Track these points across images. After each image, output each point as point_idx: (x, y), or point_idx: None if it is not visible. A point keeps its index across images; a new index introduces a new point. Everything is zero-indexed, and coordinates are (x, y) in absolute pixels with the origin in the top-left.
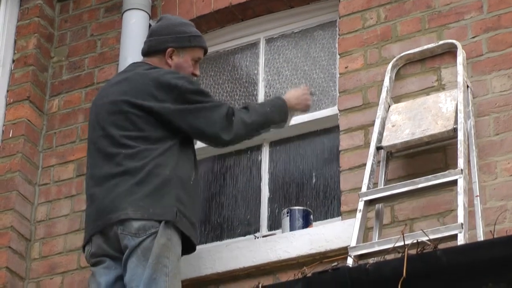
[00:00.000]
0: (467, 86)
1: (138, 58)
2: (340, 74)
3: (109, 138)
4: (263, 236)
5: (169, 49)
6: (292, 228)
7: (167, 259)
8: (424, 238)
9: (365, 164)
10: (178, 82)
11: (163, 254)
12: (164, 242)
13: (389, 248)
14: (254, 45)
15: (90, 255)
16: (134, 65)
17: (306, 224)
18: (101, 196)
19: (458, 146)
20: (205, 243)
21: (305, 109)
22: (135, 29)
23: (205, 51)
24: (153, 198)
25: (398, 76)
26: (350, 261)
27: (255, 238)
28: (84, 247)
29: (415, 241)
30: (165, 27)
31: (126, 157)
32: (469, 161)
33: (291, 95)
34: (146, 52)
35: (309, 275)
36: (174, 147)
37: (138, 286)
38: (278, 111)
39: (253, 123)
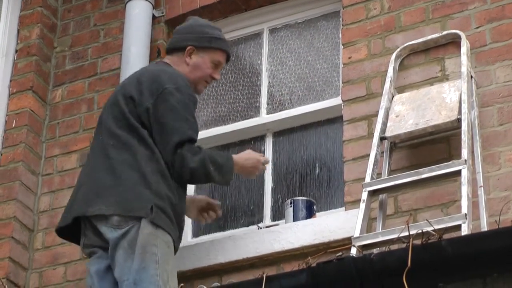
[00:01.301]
0: (471, 77)
1: (141, 48)
2: (343, 64)
3: (106, 129)
4: (267, 227)
5: (189, 47)
6: (295, 219)
7: (156, 247)
8: (429, 228)
9: (368, 155)
10: (167, 84)
11: (150, 242)
12: (150, 231)
13: (394, 238)
14: (258, 35)
15: (84, 246)
16: (156, 63)
17: (310, 214)
18: (86, 187)
19: (462, 136)
20: (208, 233)
21: (249, 177)
22: (138, 19)
23: (228, 57)
24: (131, 193)
25: (402, 66)
26: (354, 251)
27: (258, 229)
28: (58, 229)
29: (420, 231)
30: (188, 26)
31: (115, 147)
32: (473, 152)
33: (242, 161)
34: (167, 50)
35: (313, 265)
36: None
37: (128, 279)
38: (220, 175)
39: (195, 171)
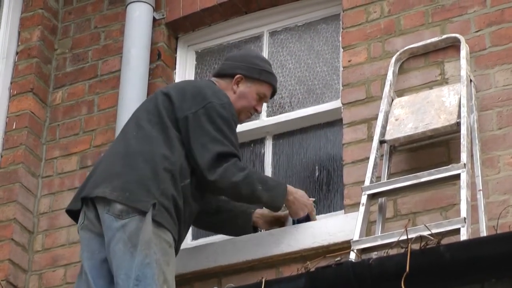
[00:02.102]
0: (470, 80)
1: (142, 50)
2: (343, 67)
3: (134, 120)
4: (266, 229)
5: (238, 76)
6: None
7: (156, 246)
8: (427, 233)
9: (368, 158)
10: (213, 99)
11: (152, 240)
12: (153, 228)
13: (392, 243)
14: (258, 38)
15: (81, 227)
16: (203, 79)
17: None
18: (99, 171)
19: (461, 140)
20: (208, 236)
21: (293, 215)
22: (138, 22)
23: (274, 92)
24: (138, 185)
25: (402, 70)
26: (353, 256)
27: (257, 231)
28: (68, 210)
29: (418, 235)
30: (241, 55)
31: (136, 138)
32: (472, 155)
33: (297, 194)
34: (216, 73)
35: (312, 270)
36: (184, 146)
37: (127, 273)
38: (269, 196)
39: (236, 185)
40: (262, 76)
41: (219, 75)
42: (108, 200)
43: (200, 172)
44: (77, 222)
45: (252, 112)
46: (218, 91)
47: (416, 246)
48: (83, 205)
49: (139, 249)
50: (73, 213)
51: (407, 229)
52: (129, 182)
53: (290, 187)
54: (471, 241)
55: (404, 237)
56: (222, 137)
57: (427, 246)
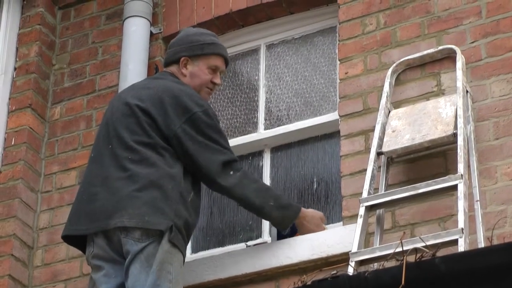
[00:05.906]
0: (467, 91)
1: (139, 65)
2: (340, 79)
3: (119, 140)
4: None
5: (182, 59)
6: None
7: (171, 266)
8: (422, 245)
9: (365, 170)
10: (194, 108)
11: (167, 260)
12: (168, 248)
13: (388, 255)
14: (255, 51)
15: (92, 257)
16: (162, 74)
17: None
18: (103, 198)
19: (458, 151)
20: (207, 249)
21: (311, 231)
22: (136, 36)
23: (226, 60)
24: (152, 208)
25: (398, 81)
26: (350, 270)
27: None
28: (64, 237)
29: (413, 248)
30: (180, 38)
31: (133, 162)
32: (469, 166)
33: (312, 216)
34: (165, 64)
35: (309, 283)
36: (179, 161)
37: None
38: (281, 215)
39: (247, 198)
40: (205, 50)
41: (167, 64)
42: (126, 227)
43: (210, 178)
44: (73, 246)
45: (210, 87)
46: (192, 94)
47: (412, 259)
48: (92, 234)
49: (153, 269)
50: (71, 239)
51: (403, 241)
52: (144, 206)
53: (304, 210)
54: (466, 253)
55: (400, 250)
56: (218, 146)
57: (422, 259)
